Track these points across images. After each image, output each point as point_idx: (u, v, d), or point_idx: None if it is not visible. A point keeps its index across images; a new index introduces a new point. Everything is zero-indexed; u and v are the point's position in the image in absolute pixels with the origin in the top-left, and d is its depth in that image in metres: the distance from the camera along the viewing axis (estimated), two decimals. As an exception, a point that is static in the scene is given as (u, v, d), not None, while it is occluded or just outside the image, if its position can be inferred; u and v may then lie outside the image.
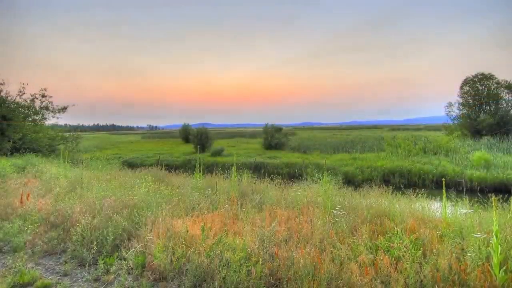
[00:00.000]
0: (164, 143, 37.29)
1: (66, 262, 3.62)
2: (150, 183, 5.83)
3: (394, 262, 2.99)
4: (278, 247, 3.41)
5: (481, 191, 11.77)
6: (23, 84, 16.38)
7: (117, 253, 3.62)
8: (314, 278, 2.81)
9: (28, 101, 16.64)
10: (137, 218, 4.22)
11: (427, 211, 4.87)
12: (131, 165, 16.76)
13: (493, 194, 3.54)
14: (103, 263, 3.39)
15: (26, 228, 4.25)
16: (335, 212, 4.51)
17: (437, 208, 5.15)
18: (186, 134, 36.65)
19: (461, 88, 26.40)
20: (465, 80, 26.34)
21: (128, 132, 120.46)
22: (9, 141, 13.93)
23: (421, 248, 3.25)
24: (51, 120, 17.68)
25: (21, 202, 5.17)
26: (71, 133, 19.50)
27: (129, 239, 3.83)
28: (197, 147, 19.33)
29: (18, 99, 16.27)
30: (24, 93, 16.34)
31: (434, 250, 3.13)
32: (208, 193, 5.87)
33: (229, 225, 4.14)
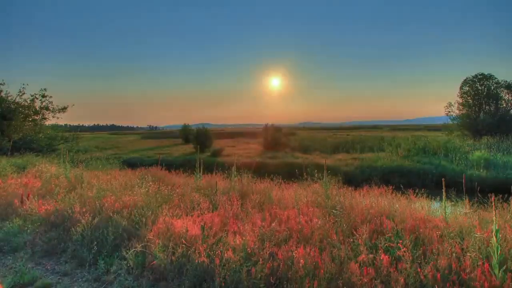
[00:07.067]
0: (164, 143, 37.29)
1: (66, 262, 3.62)
2: (150, 183, 5.83)
3: (394, 262, 2.99)
4: (278, 247, 3.42)
5: (481, 191, 11.73)
6: (23, 84, 16.43)
7: (117, 253, 3.62)
8: (314, 278, 2.82)
9: (28, 101, 16.66)
10: (137, 218, 4.22)
11: (427, 211, 4.87)
12: (131, 165, 16.72)
13: (493, 194, 3.54)
14: (103, 263, 3.39)
15: (26, 228, 4.26)
16: (335, 211, 4.52)
17: (437, 208, 5.15)
18: (186, 134, 36.68)
19: (461, 88, 26.41)
20: (465, 80, 26.35)
21: (128, 132, 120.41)
22: (9, 141, 13.93)
23: (421, 248, 3.25)
24: (51, 120, 17.73)
25: (21, 202, 5.17)
26: (71, 133, 19.52)
27: (129, 239, 3.83)
28: (197, 147, 19.35)
29: (18, 99, 16.30)
30: (24, 93, 16.38)
31: (434, 250, 3.13)
32: (208, 193, 5.87)
33: (229, 225, 4.14)
